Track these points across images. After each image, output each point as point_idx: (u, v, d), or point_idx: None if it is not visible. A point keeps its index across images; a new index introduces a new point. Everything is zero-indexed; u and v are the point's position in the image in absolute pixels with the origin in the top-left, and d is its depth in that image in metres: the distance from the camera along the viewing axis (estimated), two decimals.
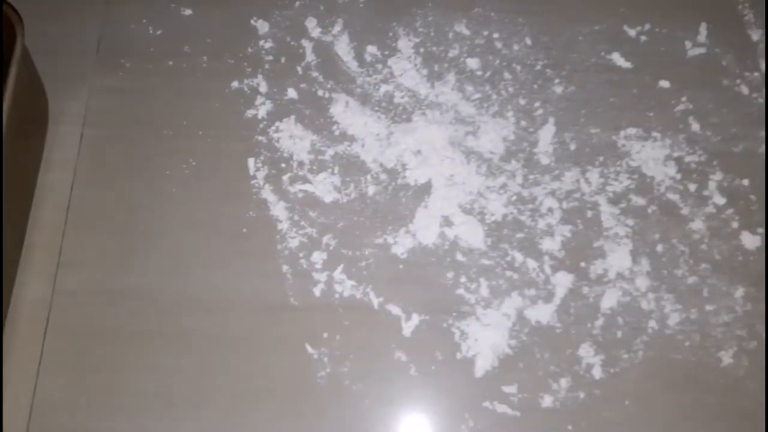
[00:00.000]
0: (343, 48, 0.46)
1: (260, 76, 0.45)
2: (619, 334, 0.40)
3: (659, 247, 0.41)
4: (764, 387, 0.38)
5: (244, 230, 0.43)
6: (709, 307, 0.40)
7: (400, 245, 0.42)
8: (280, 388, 0.40)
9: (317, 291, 0.41)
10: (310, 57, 0.46)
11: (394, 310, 0.41)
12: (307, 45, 0.46)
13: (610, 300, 0.40)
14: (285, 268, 0.42)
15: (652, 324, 0.40)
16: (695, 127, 0.43)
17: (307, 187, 0.43)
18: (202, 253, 0.42)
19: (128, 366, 0.40)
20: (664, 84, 0.44)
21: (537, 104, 0.44)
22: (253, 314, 0.41)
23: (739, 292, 0.40)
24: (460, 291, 0.41)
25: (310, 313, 0.41)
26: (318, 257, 0.42)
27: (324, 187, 0.43)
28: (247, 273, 0.42)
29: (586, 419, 0.39)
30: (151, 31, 0.46)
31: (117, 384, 0.39)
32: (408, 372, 0.40)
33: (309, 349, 0.40)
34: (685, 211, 0.42)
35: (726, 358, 0.40)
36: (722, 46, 0.44)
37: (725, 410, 0.39)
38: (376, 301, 0.41)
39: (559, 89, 0.44)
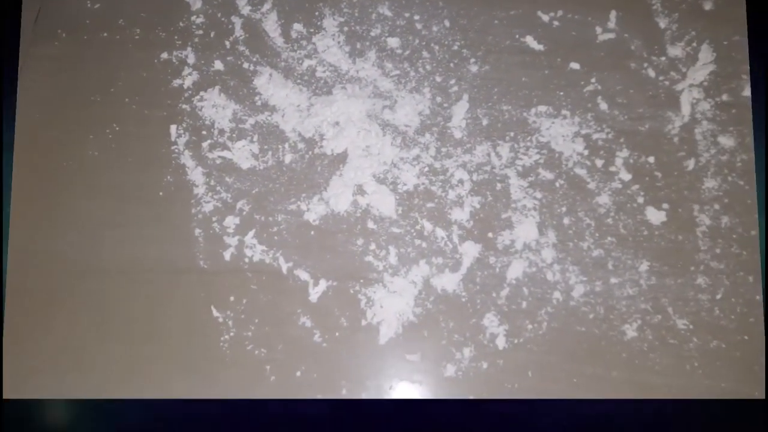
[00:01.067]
0: (271, 25, 0.46)
1: (189, 49, 0.45)
2: (524, 304, 0.39)
3: (566, 220, 0.41)
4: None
5: (161, 194, 0.42)
6: (614, 280, 0.40)
7: (313, 212, 0.41)
8: (182, 350, 0.38)
9: (227, 255, 0.40)
10: (238, 32, 0.46)
11: (303, 275, 0.40)
12: (237, 21, 0.46)
13: (515, 270, 0.40)
14: (197, 231, 0.41)
15: (557, 295, 0.39)
16: (603, 106, 0.43)
17: (225, 153, 0.43)
18: (118, 216, 0.41)
19: (37, 327, 0.38)
20: (575, 66, 0.44)
21: (452, 81, 0.44)
22: (162, 276, 0.40)
23: (644, 266, 0.40)
24: (369, 258, 0.40)
25: (219, 276, 0.40)
26: (231, 221, 0.41)
27: (242, 154, 0.43)
28: (159, 236, 0.41)
29: (488, 389, 0.38)
30: (89, 5, 0.47)
31: (26, 343, 0.38)
32: (312, 338, 0.39)
33: (214, 312, 0.39)
34: (591, 185, 0.42)
35: (630, 331, 0.38)
36: (631, 32, 0.45)
37: (627, 383, 0.37)
38: (285, 266, 0.40)
39: (474, 68, 0.45)
